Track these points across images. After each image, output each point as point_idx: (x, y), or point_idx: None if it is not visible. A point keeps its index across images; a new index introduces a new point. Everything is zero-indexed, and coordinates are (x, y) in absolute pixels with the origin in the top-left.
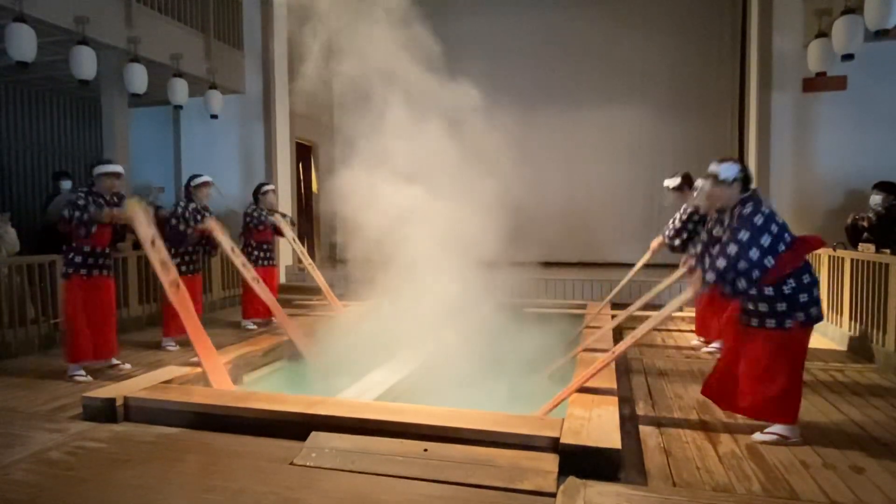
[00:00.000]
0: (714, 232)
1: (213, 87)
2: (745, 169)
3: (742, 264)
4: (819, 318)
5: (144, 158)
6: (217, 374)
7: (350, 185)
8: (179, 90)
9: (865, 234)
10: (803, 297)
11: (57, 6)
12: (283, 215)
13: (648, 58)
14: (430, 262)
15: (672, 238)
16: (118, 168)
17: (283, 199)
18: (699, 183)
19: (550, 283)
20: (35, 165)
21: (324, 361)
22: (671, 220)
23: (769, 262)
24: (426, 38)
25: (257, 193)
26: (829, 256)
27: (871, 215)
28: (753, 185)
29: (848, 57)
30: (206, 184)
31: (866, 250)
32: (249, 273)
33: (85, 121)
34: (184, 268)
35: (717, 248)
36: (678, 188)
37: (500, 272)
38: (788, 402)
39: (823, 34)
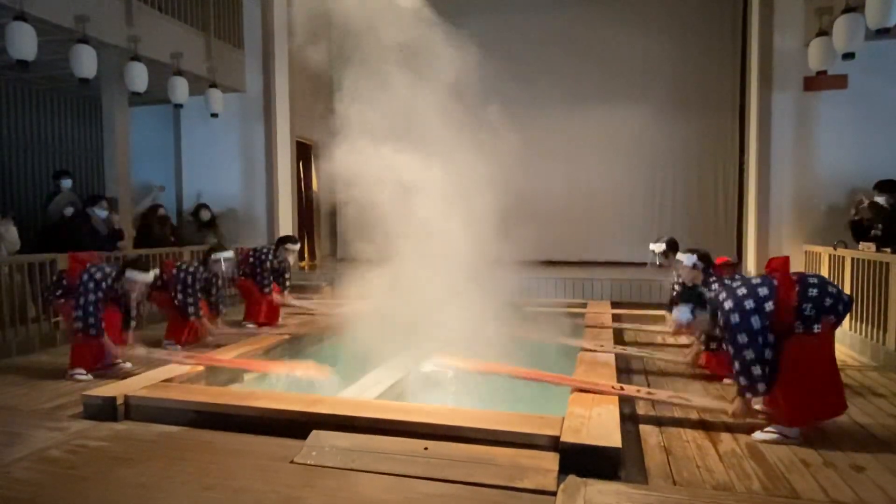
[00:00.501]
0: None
1: (213, 85)
2: (702, 256)
3: (760, 341)
4: (849, 305)
5: (145, 157)
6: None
7: (352, 185)
8: (180, 89)
9: (873, 232)
10: (828, 302)
11: (57, 5)
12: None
13: (649, 56)
14: (431, 261)
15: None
16: (149, 278)
17: (284, 199)
18: (681, 257)
19: (551, 282)
20: (35, 164)
21: (327, 362)
22: (671, 293)
23: (770, 336)
24: (431, 38)
25: (281, 245)
26: (830, 255)
27: (868, 208)
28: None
29: (849, 55)
30: (226, 261)
31: (867, 249)
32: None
33: (85, 119)
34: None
35: (737, 364)
36: (664, 253)
37: (501, 271)
38: (787, 403)
39: (824, 33)
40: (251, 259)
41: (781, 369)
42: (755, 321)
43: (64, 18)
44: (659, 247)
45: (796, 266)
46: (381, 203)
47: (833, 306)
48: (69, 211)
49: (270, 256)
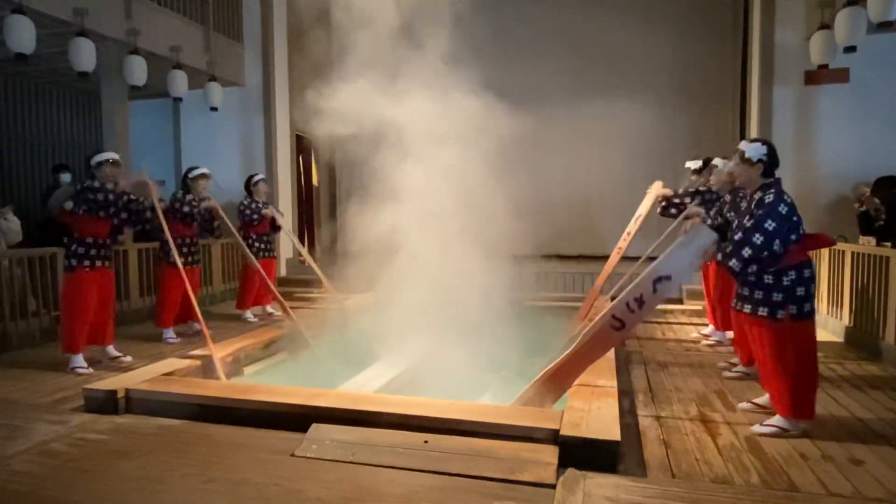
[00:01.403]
0: (729, 216)
1: (212, 79)
2: (772, 152)
3: (765, 253)
4: (810, 315)
5: (144, 151)
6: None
7: (352, 175)
8: (179, 82)
9: (878, 224)
10: (800, 291)
11: None
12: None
13: (651, 51)
14: (432, 255)
15: (675, 197)
16: (114, 155)
17: (284, 192)
18: (717, 162)
19: (551, 276)
20: (34, 158)
21: (325, 351)
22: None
23: (783, 251)
24: (435, 34)
25: (249, 185)
26: (830, 249)
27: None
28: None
29: (850, 49)
30: (203, 175)
31: (867, 243)
32: (249, 253)
33: (84, 113)
34: (184, 259)
35: (739, 234)
36: (698, 171)
37: (501, 265)
38: (788, 396)
39: (826, 26)
40: (244, 214)
41: (791, 362)
42: (784, 229)
43: (62, 11)
44: (695, 164)
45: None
46: (381, 197)
47: (801, 299)
48: (69, 205)
49: (253, 201)
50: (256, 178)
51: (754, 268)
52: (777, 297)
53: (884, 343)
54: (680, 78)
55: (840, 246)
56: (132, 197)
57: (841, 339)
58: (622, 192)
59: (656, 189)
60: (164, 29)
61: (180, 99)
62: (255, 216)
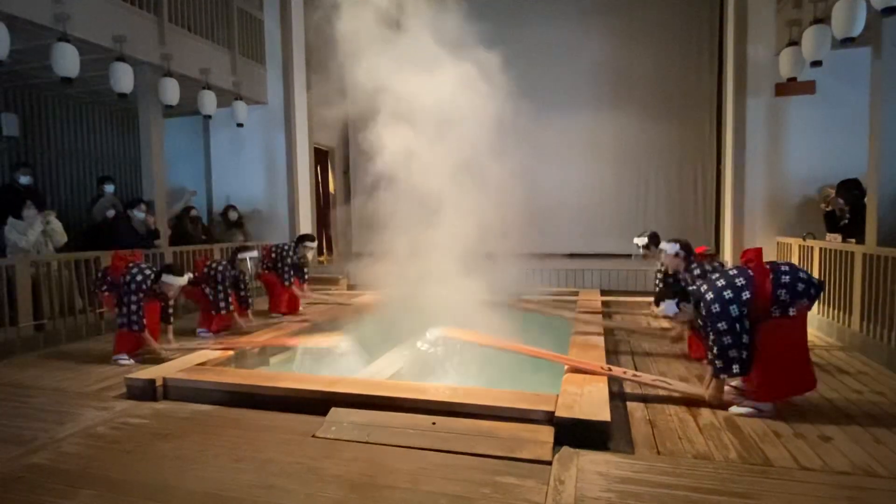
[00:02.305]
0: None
1: (238, 98)
2: (684, 245)
3: (737, 327)
4: (821, 288)
5: (178, 163)
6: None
7: (364, 183)
8: (208, 101)
9: (843, 223)
10: (800, 287)
11: (97, 27)
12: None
13: (634, 66)
14: (435, 255)
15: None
16: (184, 281)
17: (303, 200)
18: (664, 246)
19: (545, 273)
20: (80, 171)
21: (343, 345)
22: (655, 282)
23: (739, 311)
24: (434, 49)
25: (300, 243)
26: (800, 246)
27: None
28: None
29: (816, 63)
30: (251, 259)
31: (833, 240)
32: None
33: (123, 130)
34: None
35: (712, 349)
36: (646, 247)
37: (498, 263)
38: (762, 382)
39: (794, 43)
40: (273, 254)
41: (758, 350)
42: (733, 309)
43: (103, 39)
44: (642, 240)
45: (770, 256)
46: (390, 203)
47: (806, 290)
48: (111, 213)
49: (291, 252)
50: (308, 244)
51: (744, 354)
52: (785, 297)
53: (849, 330)
54: (661, 90)
55: (809, 243)
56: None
57: (810, 328)
58: (610, 195)
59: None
60: (195, 53)
61: (209, 116)
62: (286, 281)
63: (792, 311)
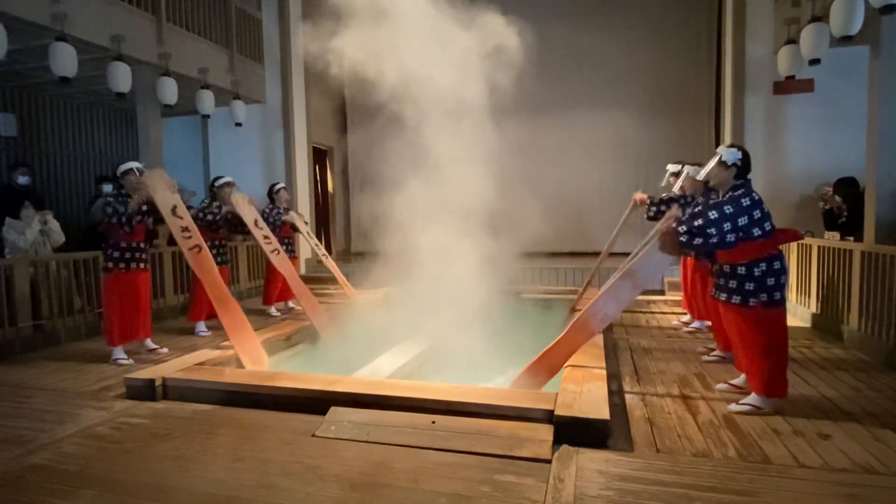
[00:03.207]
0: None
1: (236, 97)
2: (745, 157)
3: (711, 230)
4: (780, 303)
5: (176, 163)
6: (246, 348)
7: (363, 185)
8: (207, 101)
9: (841, 220)
10: (770, 281)
11: (95, 26)
12: (298, 214)
13: (633, 63)
14: (435, 253)
15: (655, 204)
16: (137, 164)
17: (302, 199)
18: (689, 169)
19: (545, 272)
20: (77, 171)
21: (340, 342)
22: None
23: (732, 239)
24: (433, 47)
25: (271, 193)
26: (798, 243)
27: (840, 203)
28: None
29: (815, 61)
30: (227, 184)
31: (832, 238)
32: (271, 246)
33: (122, 129)
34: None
35: (698, 209)
36: (677, 174)
37: (499, 262)
38: (763, 377)
39: (792, 41)
40: (266, 220)
41: (760, 347)
42: (743, 220)
43: (101, 38)
44: (675, 167)
45: None
46: (388, 203)
47: (771, 288)
48: (99, 214)
49: (275, 208)
50: (278, 187)
51: (699, 241)
52: (749, 286)
53: (847, 328)
54: (660, 89)
55: (807, 240)
56: (144, 208)
57: (808, 325)
58: (609, 194)
59: (637, 196)
60: (193, 53)
61: (208, 116)
62: (277, 223)
63: (752, 302)
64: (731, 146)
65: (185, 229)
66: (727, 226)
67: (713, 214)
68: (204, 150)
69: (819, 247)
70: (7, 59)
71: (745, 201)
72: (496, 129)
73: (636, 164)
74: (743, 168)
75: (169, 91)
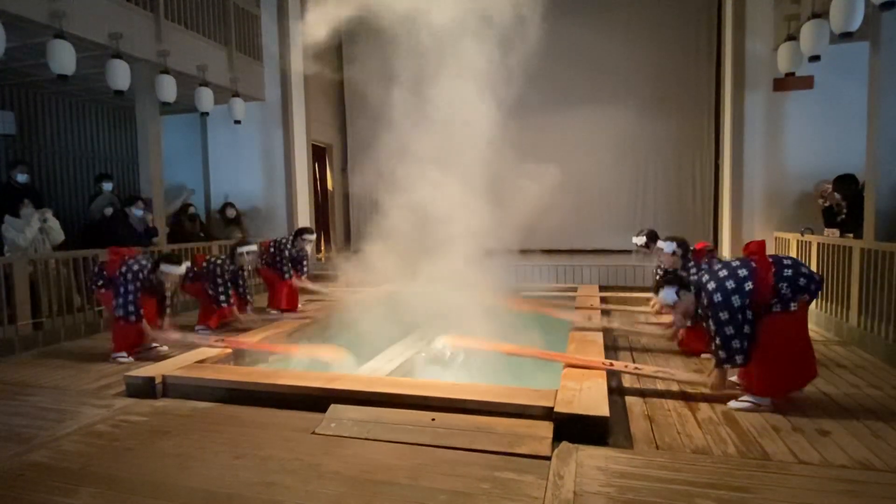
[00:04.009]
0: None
1: (235, 95)
2: (681, 244)
3: (739, 317)
4: (820, 283)
5: (176, 160)
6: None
7: (361, 182)
8: (205, 98)
9: (840, 218)
10: (802, 281)
11: (93, 23)
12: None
13: (633, 62)
14: (434, 251)
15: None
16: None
17: (301, 196)
18: (661, 244)
19: (545, 269)
20: (77, 169)
21: (341, 339)
22: (654, 277)
23: (741, 302)
24: (435, 45)
25: (298, 236)
26: (798, 241)
27: (840, 201)
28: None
29: (815, 58)
30: (250, 252)
31: (831, 235)
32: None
33: (121, 127)
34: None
35: (715, 339)
36: (645, 245)
37: (499, 259)
38: (762, 377)
39: (792, 37)
40: (272, 249)
41: (759, 345)
42: (736, 300)
43: (99, 36)
44: (640, 239)
45: (768, 251)
46: (387, 200)
47: (807, 285)
48: (109, 210)
49: (289, 246)
50: (307, 237)
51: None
52: (786, 290)
53: (847, 324)
54: (660, 86)
55: (807, 238)
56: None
57: (809, 322)
58: (609, 191)
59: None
60: (192, 50)
61: (207, 113)
62: (286, 274)
63: (793, 306)
64: (667, 239)
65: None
66: (738, 313)
67: (728, 329)
68: (203, 147)
69: (819, 244)
70: (5, 56)
71: (715, 295)
72: (495, 127)
73: (635, 160)
74: (684, 250)
75: (168, 89)
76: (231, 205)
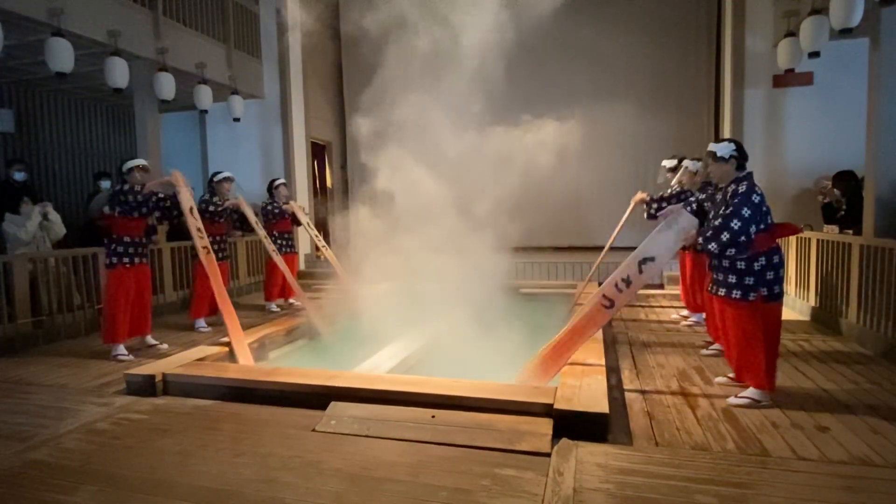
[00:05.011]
0: (706, 206)
1: (234, 92)
2: (739, 148)
3: (742, 238)
4: (779, 296)
5: (174, 159)
6: (239, 346)
7: (361, 180)
8: (204, 96)
9: (840, 214)
10: (769, 275)
11: (91, 21)
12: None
13: (633, 58)
14: (435, 248)
15: (655, 201)
16: (143, 161)
17: (301, 194)
18: (687, 163)
19: (544, 266)
20: (75, 167)
21: (338, 337)
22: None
23: (752, 237)
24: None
25: (271, 188)
26: (797, 237)
27: (839, 197)
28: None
29: (814, 54)
30: (226, 179)
31: (831, 232)
32: (270, 245)
33: (119, 125)
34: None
35: (718, 220)
36: (673, 169)
37: (499, 256)
38: (763, 370)
39: (792, 34)
40: (266, 213)
41: (758, 342)
42: (752, 229)
43: (97, 33)
44: (670, 162)
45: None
46: (388, 197)
47: (770, 282)
48: (106, 209)
49: (274, 202)
50: (277, 182)
51: (732, 251)
52: (749, 280)
53: (846, 321)
54: (659, 83)
55: (806, 234)
56: (160, 195)
57: (807, 318)
58: (608, 188)
59: (637, 196)
60: (190, 48)
61: (206, 111)
62: (277, 212)
63: (752, 297)
64: (721, 140)
65: (199, 230)
66: (752, 229)
67: (736, 224)
68: (202, 145)
69: (818, 240)
70: (3, 54)
71: (756, 198)
72: (495, 125)
73: (635, 157)
74: (740, 158)
75: (166, 86)
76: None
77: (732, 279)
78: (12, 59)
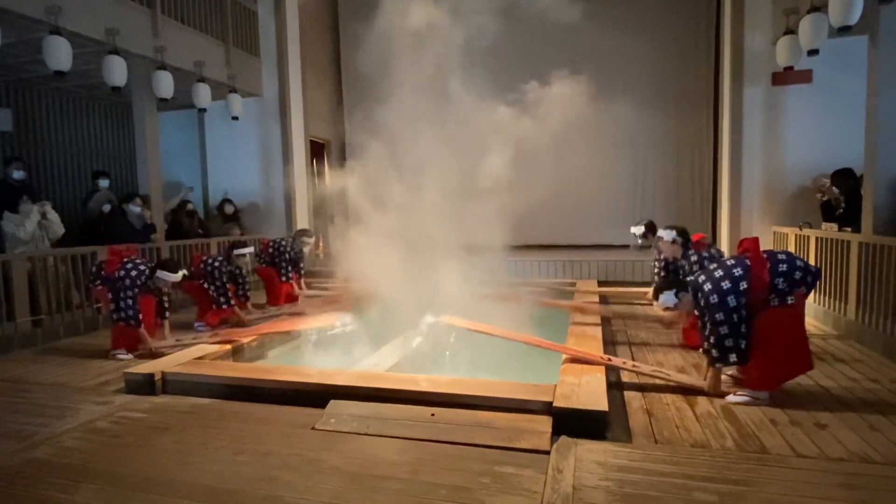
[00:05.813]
0: (688, 280)
1: (233, 90)
2: (681, 233)
3: (734, 317)
4: (818, 275)
5: (173, 157)
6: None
7: (357, 180)
8: (203, 94)
9: (839, 212)
10: (798, 275)
11: (89, 19)
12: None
13: (632, 56)
14: (435, 247)
15: (657, 272)
16: (178, 278)
17: (300, 192)
18: (661, 233)
19: (543, 264)
20: (73, 165)
21: (344, 319)
22: (653, 270)
23: (736, 301)
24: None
25: (298, 237)
26: (796, 235)
27: (838, 195)
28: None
29: (813, 52)
30: (246, 255)
31: (829, 229)
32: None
33: (118, 124)
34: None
35: (710, 337)
36: (643, 235)
37: (498, 254)
38: (763, 370)
39: (791, 31)
40: (271, 249)
41: (758, 340)
42: (731, 300)
43: (96, 31)
44: (638, 229)
45: (766, 245)
46: (387, 196)
47: (803, 278)
48: (107, 207)
49: (288, 248)
50: (306, 241)
51: (738, 315)
52: (785, 289)
53: (845, 318)
54: (659, 80)
55: (805, 232)
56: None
57: (807, 316)
58: (607, 186)
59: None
60: (189, 46)
61: (204, 109)
62: (284, 276)
63: (790, 300)
64: (666, 228)
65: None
66: (733, 311)
67: (723, 329)
68: (200, 143)
69: (817, 238)
70: (1, 52)
71: (708, 290)
72: (494, 123)
73: (634, 155)
74: (684, 238)
75: (165, 84)
76: (229, 201)
77: (775, 302)
78: (10, 57)
